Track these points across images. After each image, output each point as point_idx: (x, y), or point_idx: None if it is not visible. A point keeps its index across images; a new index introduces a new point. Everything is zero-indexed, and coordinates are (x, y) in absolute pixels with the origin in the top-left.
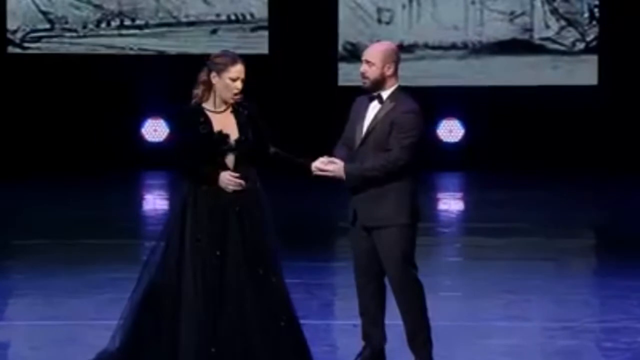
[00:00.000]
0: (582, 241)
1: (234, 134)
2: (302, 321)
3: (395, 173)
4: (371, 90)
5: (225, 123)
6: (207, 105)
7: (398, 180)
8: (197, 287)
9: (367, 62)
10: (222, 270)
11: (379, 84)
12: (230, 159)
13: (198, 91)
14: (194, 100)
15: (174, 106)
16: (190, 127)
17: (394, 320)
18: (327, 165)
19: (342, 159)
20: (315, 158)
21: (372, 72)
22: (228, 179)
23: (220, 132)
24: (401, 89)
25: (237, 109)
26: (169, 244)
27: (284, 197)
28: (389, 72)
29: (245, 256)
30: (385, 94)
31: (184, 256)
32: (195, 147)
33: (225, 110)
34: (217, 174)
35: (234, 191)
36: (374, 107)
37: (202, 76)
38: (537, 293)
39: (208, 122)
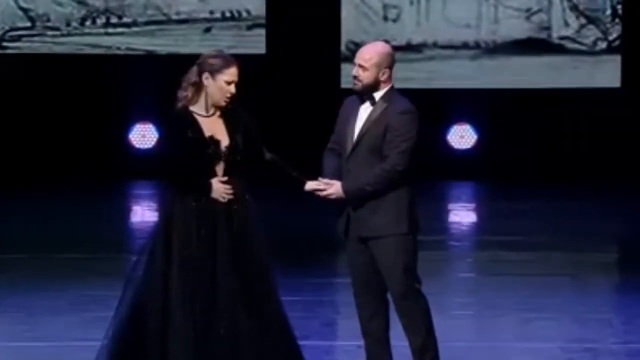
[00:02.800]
0: (604, 256)
1: (224, 140)
2: (302, 342)
3: (394, 180)
4: (363, 93)
5: (215, 128)
6: (195, 109)
7: (395, 188)
8: (185, 305)
9: (361, 66)
10: (213, 288)
11: (372, 87)
12: (220, 167)
13: (187, 93)
14: (180, 103)
15: (163, 110)
16: (180, 133)
17: (399, 340)
18: (325, 188)
19: (334, 172)
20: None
21: (366, 77)
22: (223, 189)
23: (211, 138)
24: (394, 89)
25: (226, 112)
26: (154, 258)
27: (280, 208)
28: (383, 77)
29: (237, 272)
30: (377, 95)
31: (170, 272)
32: (187, 154)
33: (213, 115)
34: (210, 184)
35: (224, 202)
36: (365, 109)
37: (192, 77)
38: (556, 312)
39: (198, 127)
